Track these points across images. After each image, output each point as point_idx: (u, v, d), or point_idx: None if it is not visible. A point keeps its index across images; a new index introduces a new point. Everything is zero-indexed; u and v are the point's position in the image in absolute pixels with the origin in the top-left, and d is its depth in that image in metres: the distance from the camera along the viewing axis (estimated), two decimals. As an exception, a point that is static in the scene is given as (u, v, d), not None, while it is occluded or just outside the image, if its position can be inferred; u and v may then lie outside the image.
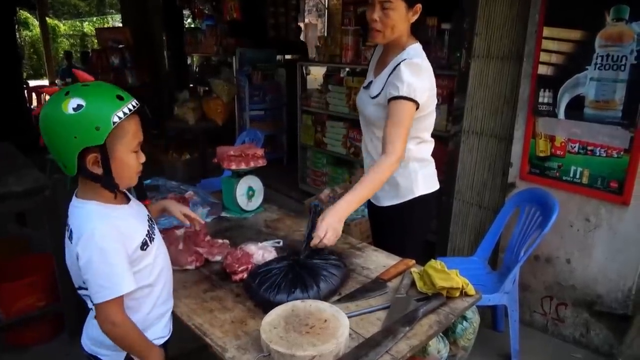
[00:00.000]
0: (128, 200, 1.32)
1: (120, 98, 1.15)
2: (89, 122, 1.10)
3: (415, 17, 1.75)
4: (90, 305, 1.27)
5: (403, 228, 1.97)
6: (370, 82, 1.90)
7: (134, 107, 1.17)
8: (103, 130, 1.11)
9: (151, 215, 1.41)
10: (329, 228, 1.54)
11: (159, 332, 1.37)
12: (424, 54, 1.79)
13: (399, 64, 1.72)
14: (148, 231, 1.30)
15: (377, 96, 1.81)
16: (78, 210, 1.22)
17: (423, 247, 2.08)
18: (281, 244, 1.78)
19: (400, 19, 1.71)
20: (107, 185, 1.21)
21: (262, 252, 1.63)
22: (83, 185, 1.23)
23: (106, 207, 1.22)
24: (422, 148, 1.90)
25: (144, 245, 1.26)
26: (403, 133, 1.68)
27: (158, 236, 1.38)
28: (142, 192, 1.28)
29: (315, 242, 1.53)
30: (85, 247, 1.15)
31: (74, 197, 1.25)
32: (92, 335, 1.33)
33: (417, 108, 1.71)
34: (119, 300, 1.19)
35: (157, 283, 1.33)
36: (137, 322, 1.27)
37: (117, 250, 1.18)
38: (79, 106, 1.09)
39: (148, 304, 1.32)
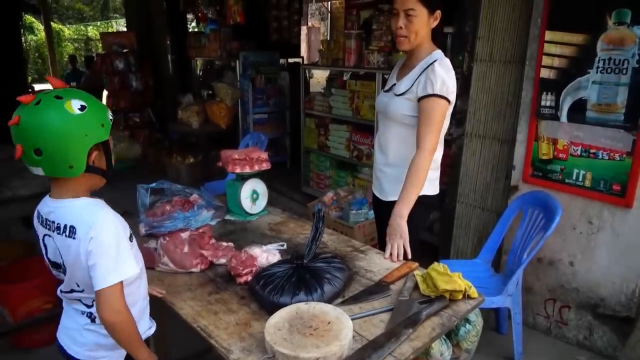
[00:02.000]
0: None
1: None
2: (95, 119, 1.18)
3: (436, 22, 1.87)
4: (82, 308, 1.31)
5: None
6: (393, 85, 2.00)
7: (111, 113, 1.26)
8: (106, 127, 1.21)
9: None
10: (393, 242, 1.75)
11: (147, 323, 1.42)
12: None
13: (431, 63, 1.83)
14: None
15: (404, 93, 1.90)
16: (72, 207, 1.22)
17: (424, 249, 2.11)
18: (285, 247, 1.80)
19: (423, 24, 1.83)
20: (109, 179, 1.29)
21: (266, 255, 1.65)
22: (60, 186, 1.23)
23: (95, 201, 1.26)
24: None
25: (131, 237, 1.30)
26: (435, 129, 1.81)
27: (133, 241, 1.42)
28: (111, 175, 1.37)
29: (386, 256, 1.75)
30: (101, 231, 1.18)
31: (50, 201, 1.25)
32: (85, 341, 1.33)
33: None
34: (122, 286, 1.21)
35: (142, 276, 1.38)
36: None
37: (124, 235, 1.23)
38: (83, 107, 1.15)
39: (139, 297, 1.36)
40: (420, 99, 1.83)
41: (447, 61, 1.86)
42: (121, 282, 1.20)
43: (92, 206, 1.23)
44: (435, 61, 1.83)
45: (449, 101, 1.83)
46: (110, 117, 1.23)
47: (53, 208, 1.24)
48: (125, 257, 1.22)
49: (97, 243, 1.17)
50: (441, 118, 1.83)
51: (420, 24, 1.82)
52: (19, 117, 1.12)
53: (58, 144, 1.13)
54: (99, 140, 1.19)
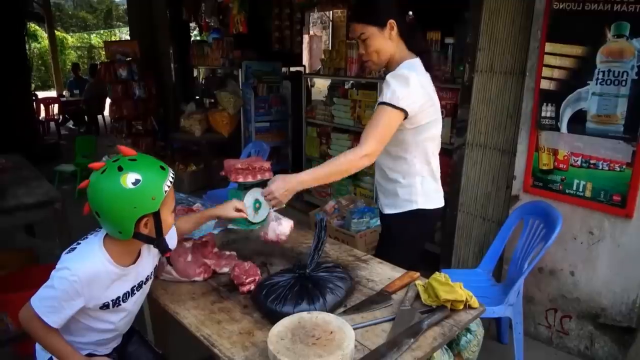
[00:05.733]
0: (135, 260, 1.40)
1: (163, 168, 1.30)
2: (147, 193, 1.25)
3: (394, 32, 1.81)
4: None
5: (398, 237, 2.01)
6: None
7: (173, 175, 1.32)
8: (157, 199, 1.27)
9: (157, 270, 1.58)
10: (271, 195, 1.70)
11: (103, 351, 1.49)
12: (418, 68, 1.82)
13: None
14: (119, 297, 1.39)
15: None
16: (86, 245, 1.34)
17: (422, 259, 2.11)
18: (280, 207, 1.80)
19: (379, 41, 1.81)
20: (160, 247, 1.37)
21: (276, 224, 1.69)
22: (114, 244, 1.34)
23: (103, 264, 1.32)
24: (425, 162, 1.92)
25: (104, 307, 1.36)
26: (377, 133, 1.72)
27: (132, 299, 1.45)
28: (165, 245, 1.42)
29: (266, 193, 1.72)
30: (58, 270, 1.28)
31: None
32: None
33: (406, 117, 1.75)
34: (35, 314, 1.28)
35: (106, 334, 1.46)
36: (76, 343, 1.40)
37: (71, 297, 1.27)
38: (137, 180, 1.23)
39: (89, 339, 1.43)
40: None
41: (405, 71, 1.75)
42: (34, 311, 1.28)
43: (84, 258, 1.30)
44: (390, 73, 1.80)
45: (401, 110, 1.71)
46: (166, 189, 1.28)
47: (95, 237, 1.37)
48: (55, 307, 1.27)
49: (52, 274, 1.28)
50: (386, 125, 1.72)
51: (376, 42, 1.80)
52: (88, 181, 1.26)
53: (109, 212, 1.25)
54: (148, 211, 1.27)
